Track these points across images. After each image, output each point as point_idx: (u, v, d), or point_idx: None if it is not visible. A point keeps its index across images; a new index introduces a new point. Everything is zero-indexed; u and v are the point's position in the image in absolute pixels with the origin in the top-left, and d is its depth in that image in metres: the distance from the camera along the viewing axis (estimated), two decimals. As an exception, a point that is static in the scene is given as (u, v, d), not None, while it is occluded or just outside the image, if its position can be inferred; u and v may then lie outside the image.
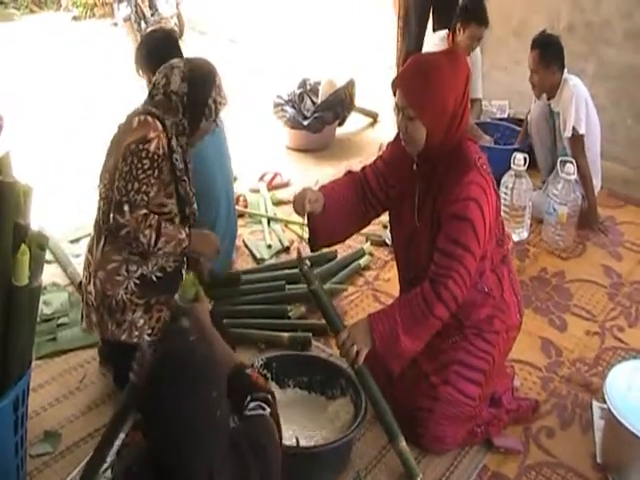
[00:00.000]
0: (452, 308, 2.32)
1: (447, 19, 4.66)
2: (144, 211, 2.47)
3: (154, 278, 2.61)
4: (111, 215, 2.46)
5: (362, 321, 2.39)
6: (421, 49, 4.82)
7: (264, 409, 1.71)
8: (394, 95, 2.34)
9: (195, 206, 2.68)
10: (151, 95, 2.57)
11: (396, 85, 2.32)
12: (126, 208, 2.43)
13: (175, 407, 1.42)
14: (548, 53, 3.82)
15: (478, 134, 4.42)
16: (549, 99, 3.94)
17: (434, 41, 4.50)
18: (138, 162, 2.43)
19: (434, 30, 5.04)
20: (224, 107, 2.61)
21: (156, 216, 2.51)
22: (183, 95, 2.51)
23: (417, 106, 2.25)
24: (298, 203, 2.48)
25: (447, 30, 4.43)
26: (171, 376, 1.45)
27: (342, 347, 2.34)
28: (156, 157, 2.44)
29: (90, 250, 2.66)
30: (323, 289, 2.51)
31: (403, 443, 2.39)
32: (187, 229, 2.60)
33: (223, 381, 1.53)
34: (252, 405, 1.72)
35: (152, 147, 2.43)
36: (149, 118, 2.47)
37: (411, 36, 5.10)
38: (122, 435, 2.10)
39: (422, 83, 2.23)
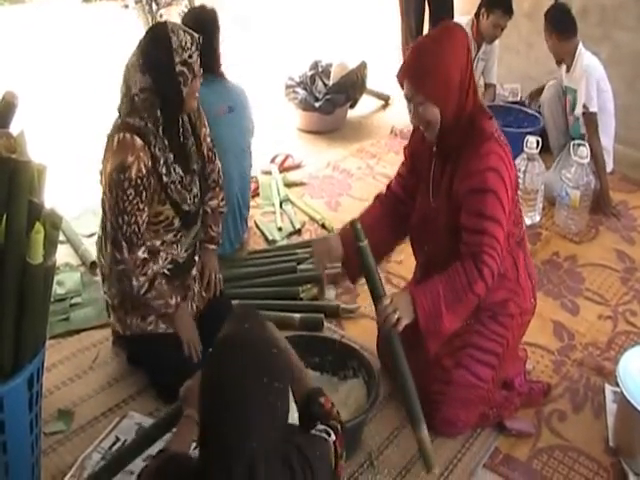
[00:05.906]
0: (490, 284, 2.30)
1: (438, 16, 4.71)
2: (143, 256, 2.45)
3: (166, 272, 2.59)
4: (109, 250, 2.45)
5: (404, 292, 2.34)
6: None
7: (329, 435, 1.67)
8: (401, 88, 2.34)
9: (196, 190, 2.60)
10: (124, 105, 2.44)
11: (400, 77, 2.32)
12: (124, 246, 2.41)
13: (235, 382, 1.41)
14: (548, 24, 3.97)
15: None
16: (567, 70, 3.97)
17: None
18: (122, 194, 2.37)
19: (430, 23, 5.02)
20: (193, 53, 2.38)
21: (154, 267, 2.48)
22: (151, 86, 2.37)
23: (423, 88, 2.25)
24: (316, 263, 2.47)
25: (472, 16, 4.42)
26: (233, 356, 1.45)
27: (383, 312, 2.27)
28: (139, 182, 2.37)
29: (100, 251, 2.64)
30: (370, 250, 2.38)
31: (425, 432, 2.25)
32: (178, 299, 2.56)
33: (287, 378, 1.50)
34: (320, 427, 1.68)
35: (133, 174, 2.36)
36: (127, 136, 2.37)
37: (411, 21, 5.06)
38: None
39: (422, 63, 2.23)
